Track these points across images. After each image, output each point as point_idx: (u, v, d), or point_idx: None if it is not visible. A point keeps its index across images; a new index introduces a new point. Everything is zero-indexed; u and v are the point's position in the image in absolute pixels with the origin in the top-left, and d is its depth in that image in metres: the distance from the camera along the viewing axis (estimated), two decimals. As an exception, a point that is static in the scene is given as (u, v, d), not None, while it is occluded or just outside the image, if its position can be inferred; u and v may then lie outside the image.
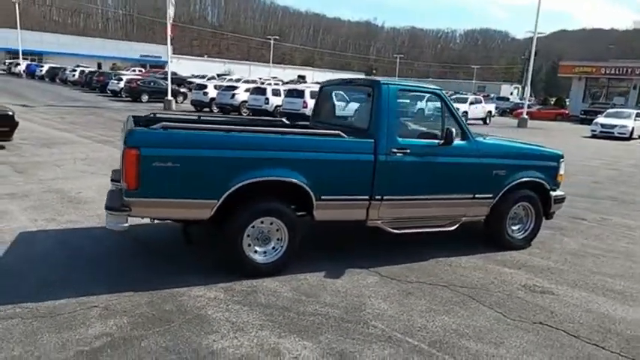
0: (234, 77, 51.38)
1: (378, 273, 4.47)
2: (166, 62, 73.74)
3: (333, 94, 5.79)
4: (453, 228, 4.95)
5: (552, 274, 4.70)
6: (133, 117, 4.77)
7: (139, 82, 29.30)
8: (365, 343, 3.23)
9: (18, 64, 44.06)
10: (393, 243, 5.15)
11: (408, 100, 5.67)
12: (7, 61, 49.27)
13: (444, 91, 4.99)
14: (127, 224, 3.80)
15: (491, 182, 5.03)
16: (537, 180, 5.29)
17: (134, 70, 50.56)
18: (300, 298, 3.86)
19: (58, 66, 42.19)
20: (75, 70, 37.51)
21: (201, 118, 5.41)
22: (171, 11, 23.82)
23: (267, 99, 20.69)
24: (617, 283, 4.55)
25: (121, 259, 4.48)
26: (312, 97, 19.32)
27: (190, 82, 39.68)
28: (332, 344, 3.20)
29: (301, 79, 72.60)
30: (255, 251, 4.23)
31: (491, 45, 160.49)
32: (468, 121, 20.81)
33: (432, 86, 5.02)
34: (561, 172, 5.56)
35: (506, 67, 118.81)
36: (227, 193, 3.94)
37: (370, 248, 5.13)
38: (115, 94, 30.04)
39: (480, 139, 5.13)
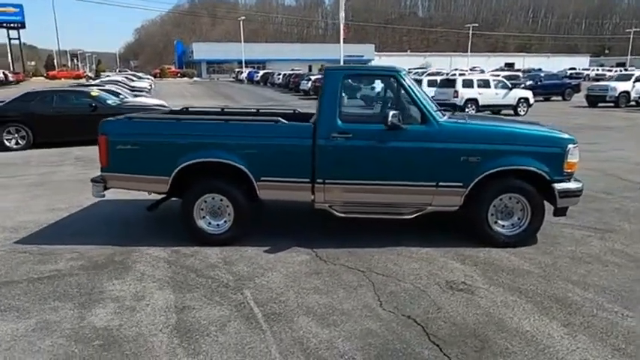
0: (428, 70, 51.11)
1: (315, 254, 4.64)
2: (369, 60, 77.20)
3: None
4: (412, 216, 4.70)
5: (503, 275, 4.09)
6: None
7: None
8: (215, 305, 3.63)
9: (241, 72, 52.52)
10: (365, 230, 5.15)
11: (363, 84, 5.45)
12: (236, 70, 59.25)
13: (403, 72, 4.75)
14: (104, 193, 4.94)
15: (460, 169, 4.58)
16: (530, 169, 4.56)
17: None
18: (217, 265, 4.40)
19: (270, 71, 48.81)
20: (280, 74, 42.92)
21: (188, 109, 6.21)
22: (342, 13, 25.49)
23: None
24: (580, 298, 3.72)
25: (126, 224, 5.64)
26: (464, 87, 18.41)
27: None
28: (187, 300, 3.70)
29: (508, 67, 67.50)
30: (209, 223, 4.90)
31: None
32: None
33: (388, 68, 4.82)
34: (572, 159, 4.62)
35: None
36: (175, 171, 4.71)
37: (335, 232, 5.19)
38: (306, 92, 33.60)
39: (451, 121, 4.72)
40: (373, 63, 73.72)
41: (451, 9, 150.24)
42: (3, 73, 47.83)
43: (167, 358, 2.97)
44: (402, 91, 4.68)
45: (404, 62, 66.52)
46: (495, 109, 18.95)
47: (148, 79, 42.64)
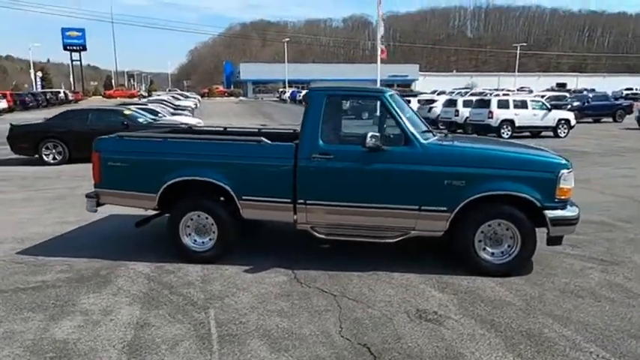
0: (472, 90, 50.21)
1: (294, 275, 4.58)
2: (413, 81, 76.76)
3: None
4: (394, 240, 4.57)
5: (481, 306, 3.86)
6: None
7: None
8: (175, 323, 3.64)
9: (285, 91, 53.57)
10: (351, 253, 5.05)
11: (349, 105, 5.35)
12: (280, 89, 60.50)
13: (389, 94, 4.67)
14: (96, 208, 5.12)
15: (443, 193, 4.42)
16: (518, 194, 4.33)
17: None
18: (193, 282, 4.43)
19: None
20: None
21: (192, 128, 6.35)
22: (380, 35, 25.56)
23: (457, 111, 20.00)
24: (555, 335, 3.45)
25: (126, 239, 5.78)
26: (500, 107, 17.90)
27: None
28: (150, 317, 3.73)
29: (560, 87, 65.21)
30: (195, 241, 4.95)
31: None
32: None
33: (374, 89, 4.75)
34: (565, 185, 4.34)
35: None
36: (162, 188, 4.82)
37: (320, 254, 5.11)
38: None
39: (436, 142, 4.58)
40: (417, 83, 73.30)
41: (501, 28, 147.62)
42: (64, 92, 51.16)
43: (109, 375, 2.99)
44: (386, 113, 4.60)
45: (449, 82, 65.69)
46: (534, 131, 18.28)
47: (195, 98, 44.22)
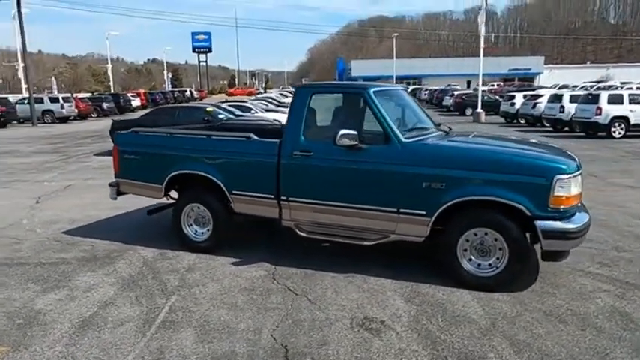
0: (608, 83, 44.80)
1: (274, 270, 4.61)
2: (536, 74, 70.87)
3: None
4: (371, 243, 4.36)
5: (437, 321, 3.53)
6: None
7: (463, 97, 30.56)
8: (135, 306, 3.91)
9: (392, 88, 52.88)
10: (341, 253, 4.93)
11: (334, 102, 5.05)
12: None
13: (373, 90, 4.43)
14: (116, 196, 5.65)
15: (422, 196, 4.10)
16: (502, 201, 3.86)
17: (492, 85, 51.58)
18: (178, 270, 4.69)
19: (419, 87, 48.24)
20: (427, 90, 42.16)
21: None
22: (482, 27, 24.00)
23: (562, 107, 18.02)
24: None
25: (156, 226, 6.28)
26: (611, 103, 15.76)
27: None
28: (119, 298, 4.05)
29: None
30: (195, 231, 5.24)
31: None
32: None
33: (357, 85, 4.54)
34: (562, 193, 3.75)
35: None
36: (166, 180, 5.18)
37: (312, 252, 5.04)
38: (448, 108, 32.51)
39: (416, 141, 4.27)
40: (541, 76, 67.34)
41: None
42: (190, 90, 56.38)
43: (49, 342, 3.33)
44: (368, 110, 4.40)
45: (579, 75, 59.21)
46: (655, 130, 15.80)
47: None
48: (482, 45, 24.82)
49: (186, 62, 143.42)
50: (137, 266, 4.82)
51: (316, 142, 4.55)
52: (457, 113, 30.06)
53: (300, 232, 4.65)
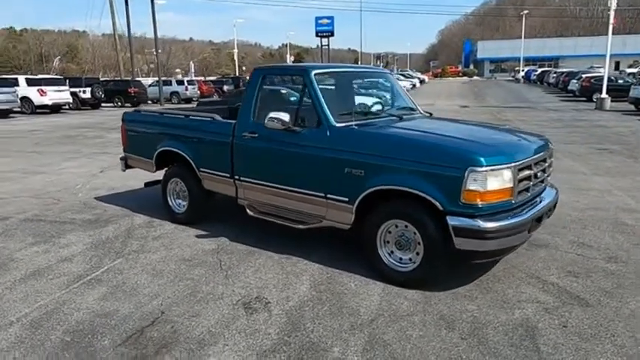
0: None
1: (225, 246, 4.83)
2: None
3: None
4: (303, 227, 4.33)
5: (327, 309, 3.44)
6: None
7: (592, 81, 27.02)
8: (85, 264, 4.45)
9: (518, 70, 48.72)
10: (310, 238, 4.95)
11: (284, 84, 4.83)
12: (515, 68, 55.15)
13: (313, 72, 4.32)
14: (124, 168, 6.32)
15: (345, 182, 3.97)
16: (412, 191, 3.57)
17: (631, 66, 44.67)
18: (146, 237, 5.15)
19: (548, 69, 43.75)
20: (555, 73, 38.13)
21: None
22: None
23: None
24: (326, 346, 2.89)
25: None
26: None
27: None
28: (80, 255, 4.63)
29: None
30: (179, 204, 5.69)
31: None
32: None
33: (300, 66, 4.44)
34: (475, 187, 3.33)
35: None
36: (154, 155, 5.69)
37: (285, 233, 5.13)
38: (574, 93, 29.12)
39: (347, 125, 4.10)
40: None
41: None
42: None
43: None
44: (307, 91, 4.33)
45: None
46: None
47: (416, 78, 44.51)
48: (611, 20, 21.66)
49: (317, 46, 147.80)
50: (120, 231, 5.40)
51: (262, 124, 4.62)
52: (584, 99, 26.82)
53: (249, 212, 4.79)
